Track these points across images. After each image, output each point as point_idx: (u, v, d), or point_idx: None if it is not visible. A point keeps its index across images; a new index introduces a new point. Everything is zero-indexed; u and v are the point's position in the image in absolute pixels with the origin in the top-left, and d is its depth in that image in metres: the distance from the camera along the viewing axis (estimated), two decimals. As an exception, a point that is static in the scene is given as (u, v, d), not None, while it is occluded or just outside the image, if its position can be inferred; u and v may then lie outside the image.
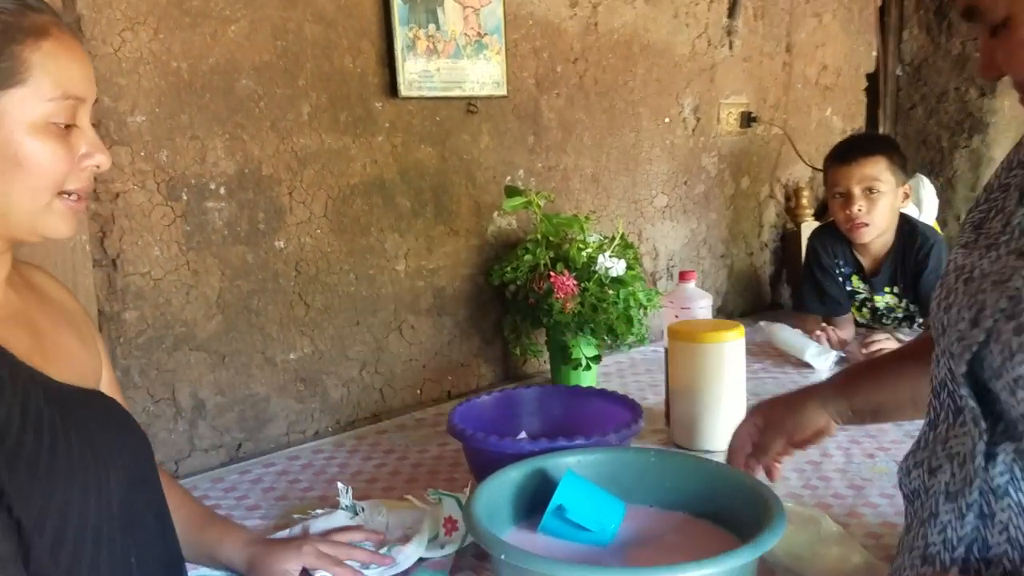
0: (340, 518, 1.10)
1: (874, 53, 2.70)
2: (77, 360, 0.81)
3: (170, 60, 1.35)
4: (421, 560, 1.03)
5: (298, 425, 1.56)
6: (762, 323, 2.03)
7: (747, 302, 2.50)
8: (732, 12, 2.23)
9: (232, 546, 0.98)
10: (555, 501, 0.95)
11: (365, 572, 0.99)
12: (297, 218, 1.52)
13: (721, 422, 1.38)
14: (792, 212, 2.54)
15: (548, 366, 1.81)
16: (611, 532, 0.96)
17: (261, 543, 1.00)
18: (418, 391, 1.72)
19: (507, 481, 1.01)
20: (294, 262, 1.53)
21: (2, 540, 0.64)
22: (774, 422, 1.04)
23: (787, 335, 1.92)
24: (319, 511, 1.15)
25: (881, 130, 2.74)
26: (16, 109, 0.71)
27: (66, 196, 0.76)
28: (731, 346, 1.40)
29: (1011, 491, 0.68)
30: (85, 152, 0.76)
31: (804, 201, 2.52)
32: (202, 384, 1.44)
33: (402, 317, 1.69)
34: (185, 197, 1.39)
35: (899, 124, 2.78)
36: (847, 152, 1.94)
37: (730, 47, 2.26)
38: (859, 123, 2.69)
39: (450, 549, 1.05)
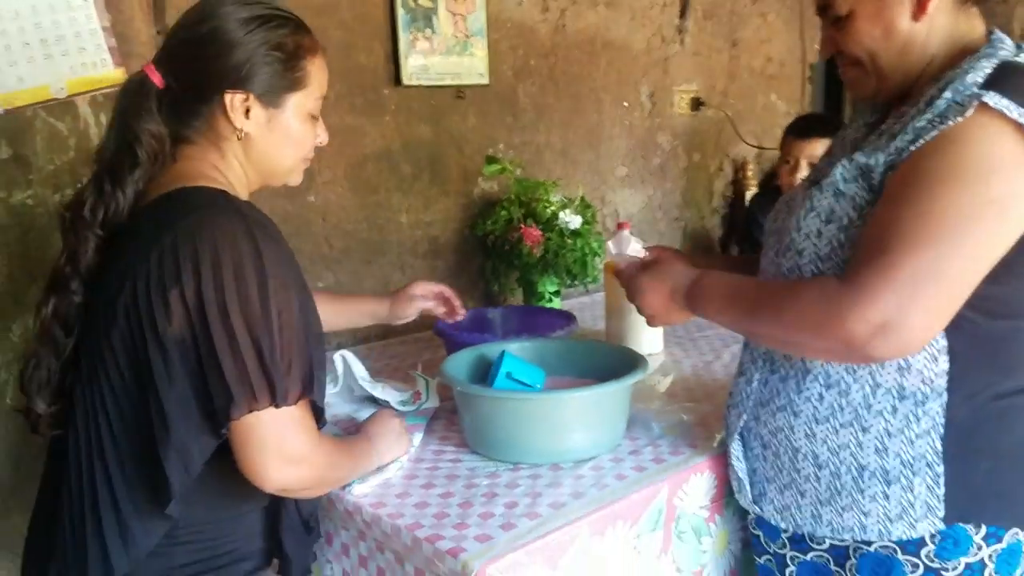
0: (359, 369, 1.57)
1: (817, 46, 3.13)
2: None
3: (232, 60, 1.82)
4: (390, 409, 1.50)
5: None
6: None
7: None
8: (683, 14, 2.68)
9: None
10: (504, 369, 1.42)
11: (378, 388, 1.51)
12: (324, 179, 2.00)
13: (643, 333, 1.84)
14: (739, 183, 3.00)
15: (521, 301, 2.28)
16: (538, 389, 1.43)
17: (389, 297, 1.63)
18: (419, 316, 2.20)
19: (469, 356, 1.49)
20: (321, 213, 2.01)
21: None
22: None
23: None
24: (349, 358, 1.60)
25: (847, 112, 3.17)
26: (299, 105, 1.12)
27: (303, 161, 1.19)
28: (648, 276, 1.87)
29: None
30: (319, 133, 1.18)
31: (749, 173, 2.98)
32: (254, 302, 1.93)
33: (404, 259, 2.17)
34: (243, 162, 1.87)
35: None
36: (805, 129, 2.35)
37: (681, 43, 2.70)
38: (801, 107, 3.13)
39: (409, 408, 1.50)
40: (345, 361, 1.58)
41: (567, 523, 1.12)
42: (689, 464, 1.30)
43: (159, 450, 0.97)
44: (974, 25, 1.09)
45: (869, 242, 0.99)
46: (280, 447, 0.99)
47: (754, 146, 2.95)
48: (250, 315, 0.97)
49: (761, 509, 1.22)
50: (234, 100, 1.09)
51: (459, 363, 1.45)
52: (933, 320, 0.97)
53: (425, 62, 2.11)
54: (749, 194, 2.92)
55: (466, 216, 2.27)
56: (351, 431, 1.45)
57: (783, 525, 1.20)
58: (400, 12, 2.04)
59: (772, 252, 1.18)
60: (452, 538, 1.09)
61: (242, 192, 1.14)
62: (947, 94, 1.00)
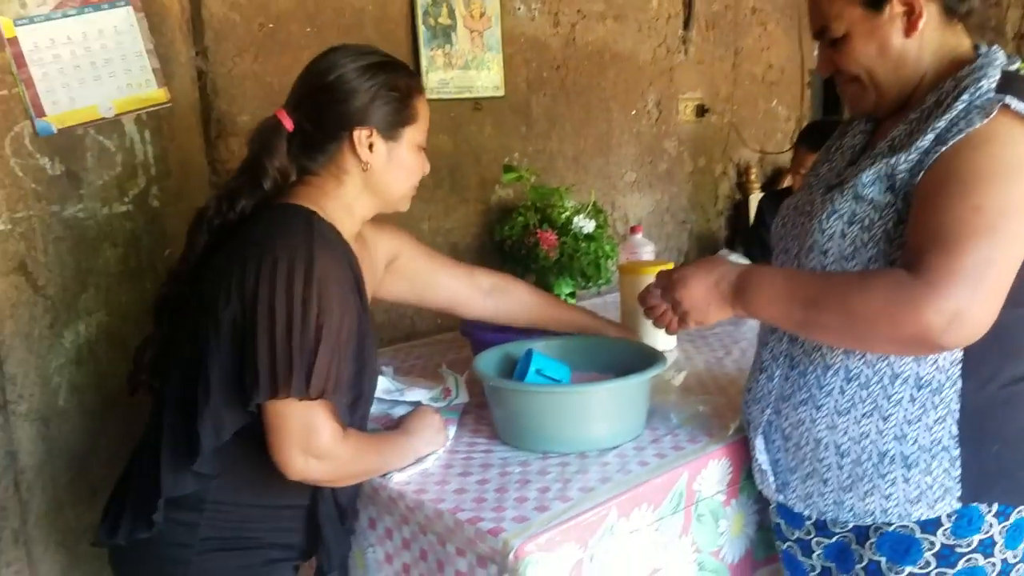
0: (382, 383, 1.67)
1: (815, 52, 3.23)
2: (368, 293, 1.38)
3: (265, 76, 1.93)
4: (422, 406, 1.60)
5: (352, 340, 2.14)
6: None
7: (705, 260, 3.07)
8: (687, 25, 2.78)
9: None
10: (533, 366, 1.51)
11: (405, 394, 1.59)
12: (350, 189, 2.09)
13: (657, 333, 1.92)
14: (743, 186, 3.10)
15: (536, 302, 2.38)
16: (566, 383, 1.53)
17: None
18: (439, 320, 2.30)
19: (496, 355, 1.58)
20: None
21: (349, 392, 1.22)
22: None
23: None
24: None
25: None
26: (410, 137, 1.30)
27: (413, 188, 1.36)
28: (661, 277, 1.97)
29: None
30: (424, 163, 1.35)
31: (753, 177, 3.08)
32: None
33: (426, 263, 2.27)
34: (275, 174, 1.97)
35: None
36: (819, 140, 2.44)
37: (685, 53, 2.81)
38: (801, 111, 3.24)
39: (440, 404, 1.59)
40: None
41: (597, 504, 1.21)
42: (706, 451, 1.39)
43: (199, 411, 1.13)
44: (960, 40, 1.19)
45: (930, 235, 1.03)
46: (305, 440, 1.13)
47: (757, 150, 3.05)
48: (291, 312, 1.11)
49: (785, 498, 1.30)
50: (361, 136, 1.26)
51: (488, 360, 1.55)
52: (995, 306, 1.02)
53: (444, 76, 2.21)
54: (753, 197, 3.02)
55: (484, 222, 2.37)
56: (390, 427, 1.55)
57: (807, 512, 1.27)
58: (421, 30, 2.15)
59: (793, 253, 1.26)
60: (492, 519, 1.18)
61: (348, 217, 1.30)
62: (964, 97, 1.09)
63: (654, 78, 2.74)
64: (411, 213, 2.24)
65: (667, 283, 1.27)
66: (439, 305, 1.64)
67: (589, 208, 2.34)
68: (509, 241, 2.30)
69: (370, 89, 1.26)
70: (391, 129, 1.28)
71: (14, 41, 1.51)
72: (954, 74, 1.15)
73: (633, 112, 2.71)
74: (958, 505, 1.15)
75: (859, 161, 1.23)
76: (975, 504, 1.15)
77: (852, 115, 1.31)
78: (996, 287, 1.02)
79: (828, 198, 1.20)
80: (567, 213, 2.30)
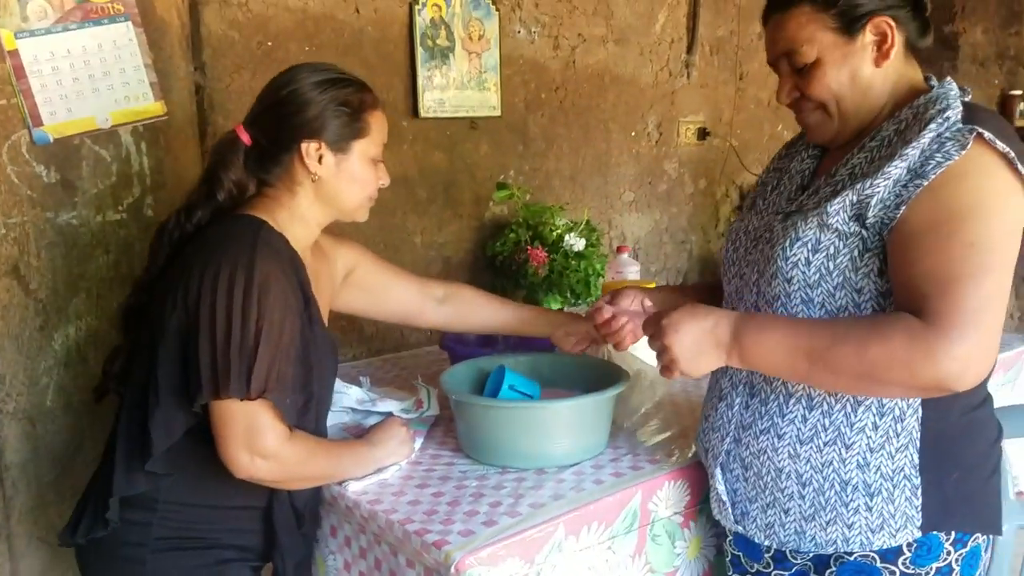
0: (356, 393, 1.70)
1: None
2: (325, 304, 1.44)
3: (261, 93, 1.98)
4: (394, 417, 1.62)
5: (342, 351, 2.18)
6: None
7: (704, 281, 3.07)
8: (690, 49, 2.81)
9: None
10: (507, 381, 1.54)
11: (378, 404, 1.62)
12: (344, 203, 2.14)
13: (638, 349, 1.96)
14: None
15: (527, 319, 2.41)
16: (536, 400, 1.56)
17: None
18: (428, 333, 2.34)
19: (468, 369, 1.61)
20: (340, 232, 2.15)
21: (299, 394, 1.27)
22: (631, 294, 1.51)
23: None
24: (343, 387, 1.72)
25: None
26: (363, 151, 1.33)
27: (368, 199, 1.39)
28: (642, 299, 1.99)
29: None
30: (380, 175, 1.38)
31: (755, 200, 3.08)
32: (276, 316, 2.08)
33: (418, 277, 2.31)
34: (268, 186, 2.02)
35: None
36: None
37: (688, 77, 2.83)
38: (805, 137, 3.23)
39: (412, 416, 1.62)
40: (344, 392, 1.68)
41: (543, 521, 1.23)
42: (662, 472, 1.40)
43: (150, 412, 1.19)
44: (916, 71, 1.21)
45: (930, 278, 1.04)
46: (249, 440, 1.18)
47: (758, 175, 3.05)
48: (231, 316, 1.16)
49: (744, 528, 1.29)
50: (309, 148, 1.30)
51: (459, 375, 1.58)
52: (997, 340, 1.04)
53: (441, 96, 2.26)
54: (755, 221, 3.02)
55: (477, 238, 2.40)
56: (358, 434, 1.58)
57: (767, 543, 1.27)
58: (419, 51, 2.20)
59: (751, 280, 1.26)
60: (438, 532, 1.21)
61: (303, 227, 1.35)
62: (931, 127, 1.09)
63: (655, 101, 2.77)
64: (404, 226, 2.31)
65: (656, 328, 1.19)
66: (395, 315, 1.68)
67: (582, 226, 2.37)
68: (500, 257, 2.34)
69: (320, 103, 1.29)
70: (340, 142, 1.32)
71: (15, 53, 1.58)
72: (910, 103, 1.16)
73: (633, 133, 2.74)
74: (919, 534, 1.15)
75: (812, 186, 1.23)
76: (934, 532, 1.15)
77: (811, 142, 1.31)
78: (997, 322, 1.04)
79: (789, 225, 1.19)
80: (559, 231, 2.33)
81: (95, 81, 1.70)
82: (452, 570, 1.14)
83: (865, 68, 1.17)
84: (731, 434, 1.28)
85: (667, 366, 1.19)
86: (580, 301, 2.32)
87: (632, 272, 2.16)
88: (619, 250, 2.21)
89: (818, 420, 1.18)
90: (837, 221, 1.13)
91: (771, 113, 3.12)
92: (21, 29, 1.58)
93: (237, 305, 1.17)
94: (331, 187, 1.34)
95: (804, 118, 1.25)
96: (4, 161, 1.60)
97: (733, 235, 1.34)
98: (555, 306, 2.31)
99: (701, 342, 1.15)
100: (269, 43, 1.98)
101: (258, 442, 1.18)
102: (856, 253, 1.13)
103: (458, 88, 2.29)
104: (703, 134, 2.90)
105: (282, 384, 1.21)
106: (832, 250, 1.14)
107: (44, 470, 1.70)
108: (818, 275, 1.16)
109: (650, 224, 2.85)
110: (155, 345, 1.22)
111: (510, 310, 1.69)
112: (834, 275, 1.15)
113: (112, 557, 1.25)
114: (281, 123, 1.31)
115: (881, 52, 1.16)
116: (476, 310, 1.65)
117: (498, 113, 2.37)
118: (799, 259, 1.17)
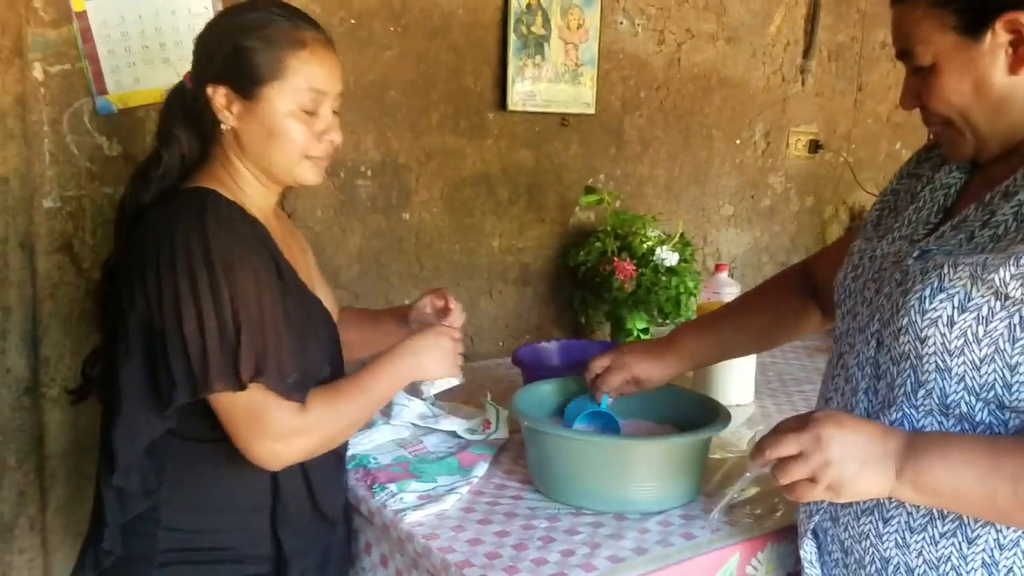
0: (418, 407, 1.54)
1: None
2: (307, 274, 1.25)
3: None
4: (458, 437, 1.47)
5: (406, 356, 2.04)
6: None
7: (804, 308, 2.81)
8: (807, 54, 2.56)
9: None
10: (589, 409, 1.35)
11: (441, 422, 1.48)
12: (420, 198, 2.00)
13: (733, 383, 1.75)
14: (854, 231, 2.82)
15: (608, 335, 2.21)
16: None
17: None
18: (500, 343, 2.17)
19: (543, 389, 1.43)
20: (415, 231, 2.00)
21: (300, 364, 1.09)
22: (625, 365, 1.31)
23: None
24: (405, 398, 1.56)
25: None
26: (276, 97, 1.09)
27: (309, 159, 1.15)
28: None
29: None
30: (323, 130, 1.14)
31: (867, 223, 2.81)
32: (340, 314, 1.94)
33: (493, 283, 2.14)
34: (342, 175, 1.89)
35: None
36: None
37: (803, 83, 2.59)
38: (927, 157, 2.94)
39: (478, 437, 1.46)
40: (405, 405, 1.53)
41: (624, 580, 1.05)
42: (767, 530, 1.20)
43: (112, 420, 1.05)
44: None
45: None
46: (259, 428, 1.03)
47: (875, 195, 2.78)
48: (199, 304, 1.01)
49: None
50: (216, 93, 1.11)
51: (533, 396, 1.40)
52: None
53: (532, 88, 2.09)
54: (865, 245, 2.75)
55: (560, 245, 2.22)
56: (419, 453, 1.42)
57: None
58: (512, 38, 2.03)
59: (871, 330, 1.02)
60: (500, 582, 1.03)
61: (254, 189, 1.17)
62: None
63: (765, 107, 2.54)
64: (482, 227, 2.15)
65: (811, 442, 0.90)
66: None
67: (676, 240, 2.17)
68: (584, 267, 2.15)
69: (230, 39, 1.10)
70: (247, 85, 1.09)
71: (82, 15, 1.48)
72: None
73: (738, 141, 2.51)
74: None
75: (959, 213, 0.98)
76: None
77: (949, 158, 1.07)
78: None
79: (931, 268, 0.95)
80: (650, 243, 2.13)
81: (166, 50, 1.59)
82: (512, 632, 0.96)
83: (996, 76, 0.92)
84: (825, 509, 1.06)
85: (809, 486, 0.90)
86: (669, 321, 2.12)
87: (730, 294, 1.93)
88: (717, 268, 1.99)
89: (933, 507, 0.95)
90: (999, 280, 0.89)
91: (890, 129, 2.84)
92: (91, -11, 1.48)
93: (203, 290, 1.01)
94: (246, 141, 1.12)
95: (934, 134, 1.03)
96: (64, 130, 1.50)
97: (855, 258, 1.10)
98: (641, 325, 2.10)
99: (869, 453, 0.89)
100: (352, 20, 1.84)
101: (269, 428, 1.04)
102: (1017, 321, 0.89)
103: (551, 81, 2.11)
104: (815, 147, 2.64)
105: (277, 364, 1.05)
106: (985, 312, 0.90)
107: (85, 462, 1.59)
108: (962, 341, 0.92)
109: (749, 241, 2.62)
110: (116, 343, 1.07)
111: (367, 320, 1.48)
112: (983, 344, 0.91)
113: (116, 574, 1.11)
114: (195, 64, 1.14)
115: (1018, 56, 0.91)
116: (350, 332, 1.38)
117: (592, 111, 2.19)
118: (940, 317, 0.93)
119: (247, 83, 1.10)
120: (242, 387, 1.02)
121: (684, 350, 1.34)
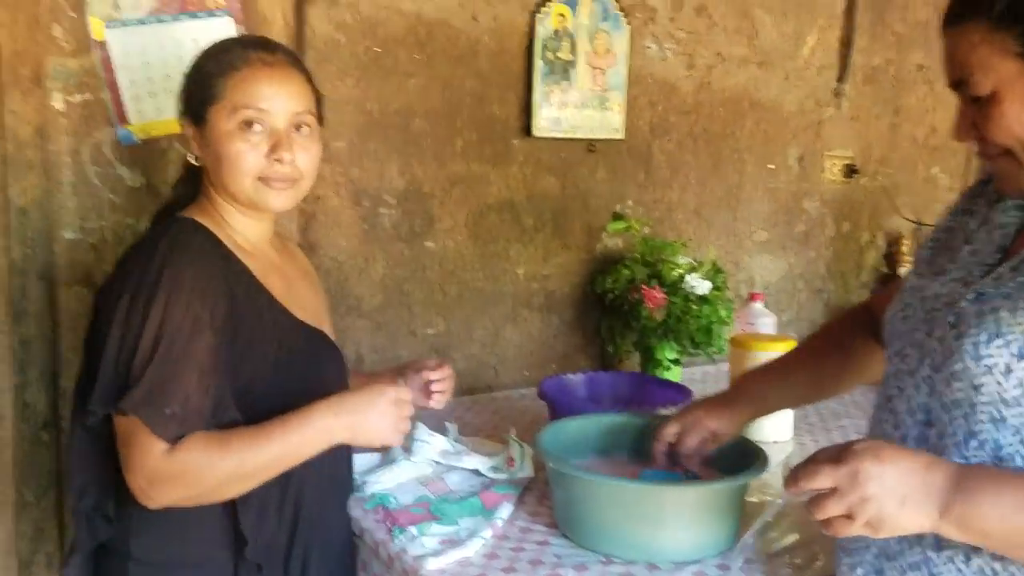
0: (440, 443, 1.49)
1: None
2: (312, 306, 1.25)
3: (365, 103, 1.83)
4: (480, 475, 1.42)
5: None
6: None
7: (840, 336, 2.73)
8: (841, 77, 2.50)
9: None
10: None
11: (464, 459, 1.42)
12: (444, 226, 1.96)
13: (769, 419, 1.67)
14: (892, 258, 2.75)
15: (638, 365, 2.15)
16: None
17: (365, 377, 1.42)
18: (525, 372, 2.12)
19: (571, 426, 1.38)
20: (438, 259, 1.97)
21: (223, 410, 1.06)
22: (698, 423, 1.24)
23: None
24: (427, 434, 1.50)
25: None
26: (216, 120, 1.10)
27: (263, 181, 1.12)
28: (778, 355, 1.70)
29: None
30: (271, 148, 1.11)
31: (904, 249, 2.72)
32: (363, 344, 1.90)
33: (518, 311, 2.09)
34: (366, 203, 1.86)
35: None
36: None
37: (837, 107, 2.52)
38: (965, 182, 2.85)
39: (501, 476, 1.41)
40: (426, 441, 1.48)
41: (655, 639, 0.98)
42: (807, 583, 1.13)
43: (68, 442, 1.11)
44: None
45: None
46: (131, 461, 1.01)
47: (912, 220, 2.70)
48: (128, 326, 1.02)
49: None
50: (184, 126, 1.17)
51: (559, 434, 1.35)
52: None
53: (558, 114, 2.05)
54: (903, 271, 2.67)
55: (586, 272, 2.17)
56: (441, 493, 1.37)
57: None
58: (538, 64, 2.00)
59: (922, 374, 0.96)
60: (524, 638, 0.98)
61: (236, 220, 1.17)
62: None
63: (798, 131, 2.48)
64: (507, 255, 2.11)
65: (849, 477, 0.83)
66: None
67: (707, 267, 2.11)
68: (611, 295, 2.09)
69: (191, 71, 1.16)
70: (196, 114, 1.14)
71: (103, 44, 1.47)
72: None
73: (771, 166, 2.45)
74: None
75: (1018, 253, 0.92)
76: None
77: (1001, 193, 1.01)
78: None
79: (987, 312, 0.89)
80: (680, 270, 2.07)
81: (189, 80, 1.57)
82: None
83: None
84: (869, 562, 0.98)
85: (847, 522, 0.84)
86: (700, 351, 2.05)
87: (766, 325, 1.87)
88: (752, 298, 1.93)
89: (985, 564, 0.88)
90: None
91: (927, 153, 2.76)
92: (112, 18, 1.47)
93: (136, 316, 1.02)
94: (210, 169, 1.15)
95: (989, 166, 0.96)
96: (85, 160, 1.49)
97: (906, 296, 1.04)
98: (671, 355, 2.04)
99: (910, 487, 0.83)
100: (377, 49, 1.82)
101: (135, 462, 1.01)
102: None
103: (577, 107, 2.07)
104: (851, 171, 2.57)
105: (188, 402, 1.01)
106: None
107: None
108: (1020, 391, 0.86)
109: (783, 268, 2.55)
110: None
111: (362, 381, 1.39)
112: None
113: None
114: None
115: None
116: None
117: (620, 136, 2.14)
118: (996, 364, 0.87)
119: (197, 108, 1.13)
120: (117, 411, 1.01)
121: (754, 395, 1.28)
